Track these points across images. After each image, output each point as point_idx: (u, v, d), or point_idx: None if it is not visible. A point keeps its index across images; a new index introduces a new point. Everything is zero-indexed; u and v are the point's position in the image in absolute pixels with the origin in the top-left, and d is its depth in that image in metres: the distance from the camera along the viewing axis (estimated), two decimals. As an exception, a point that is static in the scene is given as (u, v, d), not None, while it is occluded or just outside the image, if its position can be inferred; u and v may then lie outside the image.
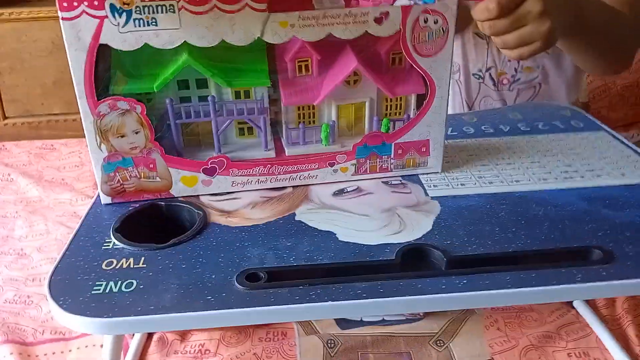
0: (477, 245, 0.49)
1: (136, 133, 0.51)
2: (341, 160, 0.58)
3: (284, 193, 0.57)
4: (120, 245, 0.49)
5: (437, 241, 0.49)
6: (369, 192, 0.58)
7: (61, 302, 0.42)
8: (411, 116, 0.58)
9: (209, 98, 0.53)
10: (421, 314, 0.74)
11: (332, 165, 0.58)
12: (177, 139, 0.54)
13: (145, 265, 0.46)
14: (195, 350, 0.71)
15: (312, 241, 0.49)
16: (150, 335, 0.74)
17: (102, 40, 0.47)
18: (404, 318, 0.74)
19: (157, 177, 0.53)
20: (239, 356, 0.69)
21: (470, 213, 0.54)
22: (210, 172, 0.54)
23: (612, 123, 1.45)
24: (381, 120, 0.58)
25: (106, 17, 0.46)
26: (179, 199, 0.55)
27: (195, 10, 0.47)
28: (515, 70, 0.95)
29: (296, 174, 0.57)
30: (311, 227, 0.52)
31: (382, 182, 0.59)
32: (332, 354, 0.69)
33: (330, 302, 0.42)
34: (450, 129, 0.73)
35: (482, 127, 0.73)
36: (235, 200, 0.56)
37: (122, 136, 0.51)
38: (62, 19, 0.46)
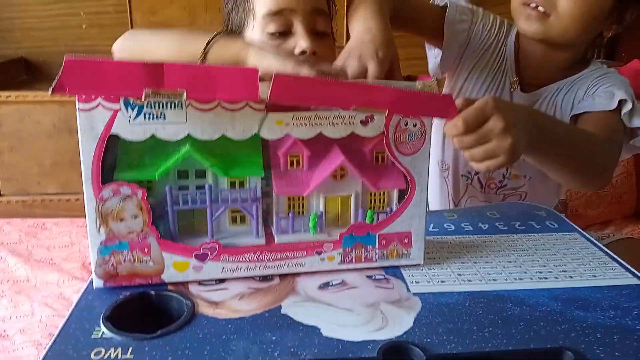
0: (456, 344, 0.50)
1: (135, 218, 0.53)
2: (328, 249, 0.60)
3: (271, 284, 0.59)
4: (110, 334, 0.49)
5: (418, 338, 0.51)
6: (354, 286, 0.60)
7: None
8: (394, 209, 0.62)
9: (207, 186, 0.56)
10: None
11: (319, 253, 0.60)
12: (173, 224, 0.57)
13: (132, 356, 0.47)
14: None
15: (297, 336, 0.51)
16: None
17: (113, 130, 0.51)
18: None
19: (151, 262, 0.55)
20: None
21: (450, 310, 0.56)
22: (201, 257, 0.57)
23: (589, 221, 1.51)
24: (366, 212, 0.61)
25: (119, 109, 0.50)
26: (169, 288, 0.57)
27: (201, 107, 0.52)
28: (503, 176, 0.99)
29: (285, 261, 0.60)
30: (296, 321, 0.53)
31: (367, 276, 0.62)
32: None
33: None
34: (432, 225, 0.76)
35: (462, 225, 0.77)
36: (224, 291, 0.58)
37: (122, 220, 0.53)
38: (80, 109, 0.50)
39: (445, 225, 0.77)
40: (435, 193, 1.07)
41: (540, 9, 0.84)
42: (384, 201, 0.62)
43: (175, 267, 0.56)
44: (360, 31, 0.71)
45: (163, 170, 0.54)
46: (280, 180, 0.59)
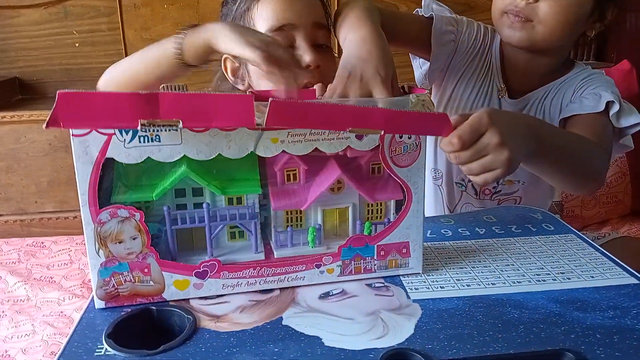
0: (457, 350, 0.51)
1: (134, 239, 0.54)
2: (327, 261, 0.61)
3: (272, 296, 0.59)
4: (112, 351, 0.50)
5: (419, 345, 0.51)
6: (354, 295, 0.60)
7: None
8: (391, 219, 0.62)
9: (204, 205, 0.56)
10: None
11: (318, 266, 0.61)
12: (172, 244, 0.57)
13: (135, 372, 0.47)
14: None
15: (299, 346, 0.51)
16: None
17: (109, 154, 0.51)
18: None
19: (151, 282, 0.56)
20: None
21: (450, 316, 0.56)
22: (202, 275, 0.57)
23: (585, 221, 1.52)
24: (364, 224, 0.62)
25: (114, 134, 0.51)
26: (170, 303, 0.57)
27: (196, 129, 0.52)
28: (497, 182, 1.00)
29: (284, 275, 0.60)
30: (298, 331, 0.54)
31: (366, 284, 0.62)
32: None
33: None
34: (429, 231, 0.77)
35: (459, 230, 0.78)
36: (225, 304, 0.58)
37: (120, 242, 0.54)
38: (73, 135, 0.50)
39: (442, 231, 0.77)
40: (429, 201, 1.08)
41: (522, 16, 0.85)
42: (381, 212, 0.63)
43: (176, 285, 0.57)
44: (355, 43, 0.69)
45: (161, 191, 0.55)
46: (277, 195, 0.59)
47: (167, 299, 0.57)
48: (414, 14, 0.97)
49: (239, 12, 0.82)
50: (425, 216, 1.05)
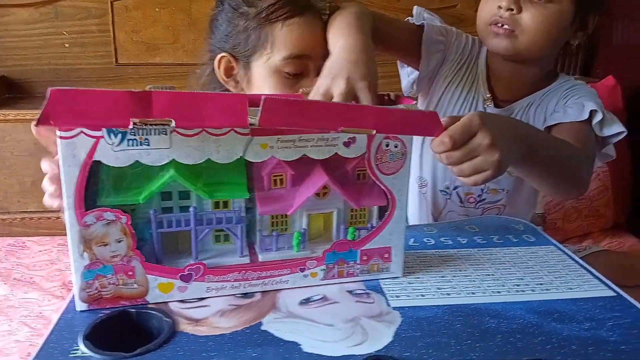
0: (435, 358, 0.51)
1: (119, 242, 0.54)
2: (311, 265, 0.61)
3: (252, 301, 0.60)
4: (88, 353, 0.50)
5: (398, 353, 0.52)
6: (335, 301, 0.61)
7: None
8: (374, 225, 0.63)
9: (191, 209, 0.57)
10: None
11: (302, 270, 0.61)
12: (158, 247, 0.57)
13: (111, 375, 0.47)
14: None
15: (277, 352, 0.51)
16: None
17: (96, 157, 0.51)
18: None
19: (135, 284, 0.56)
20: None
21: (429, 324, 0.57)
22: (186, 278, 0.57)
23: (567, 234, 1.54)
24: (347, 228, 0.63)
25: (102, 137, 0.50)
26: (150, 306, 0.57)
27: (185, 132, 0.53)
28: (482, 190, 1.01)
29: (268, 279, 0.61)
30: (277, 337, 0.54)
31: (347, 291, 0.63)
32: None
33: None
34: (412, 239, 0.78)
35: (442, 239, 0.79)
36: (205, 308, 0.58)
37: (105, 245, 0.54)
38: (60, 137, 0.50)
39: (425, 240, 0.78)
40: (414, 209, 1.09)
41: (507, 27, 0.88)
42: (365, 217, 0.64)
43: (160, 288, 0.57)
44: (343, 49, 0.72)
45: (148, 194, 0.55)
46: (263, 199, 0.60)
47: (150, 302, 0.57)
48: (405, 21, 0.99)
49: (247, 26, 0.83)
50: (410, 224, 1.08)
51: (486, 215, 1.02)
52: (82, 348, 0.50)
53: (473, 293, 0.64)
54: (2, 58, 1.63)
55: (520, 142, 0.67)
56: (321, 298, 0.61)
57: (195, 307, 0.58)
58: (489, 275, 0.68)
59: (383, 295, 0.62)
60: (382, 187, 0.61)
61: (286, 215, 0.61)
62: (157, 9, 1.67)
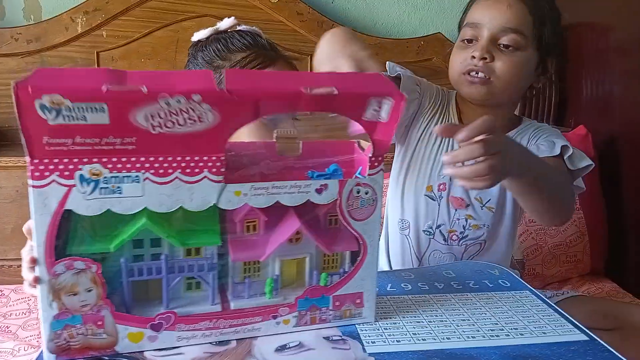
0: (408, 404, 0.51)
1: (88, 291, 0.53)
2: (284, 312, 0.61)
3: (228, 348, 0.59)
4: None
5: (371, 399, 0.52)
6: (310, 348, 0.60)
7: None
8: (346, 270, 0.64)
9: (162, 257, 0.57)
10: None
11: (275, 317, 0.61)
12: (128, 296, 0.57)
13: None
14: None
15: (250, 401, 0.51)
16: None
17: (68, 206, 0.51)
18: None
19: (104, 334, 0.55)
20: None
21: (404, 370, 0.57)
22: (157, 327, 0.57)
23: (547, 280, 1.55)
24: (320, 274, 0.63)
25: (74, 185, 0.51)
26: (124, 354, 0.56)
27: (159, 181, 0.53)
28: (464, 227, 1.04)
29: (240, 327, 0.60)
30: (250, 386, 0.53)
31: (324, 337, 0.62)
32: None
33: None
34: (389, 285, 0.78)
35: (419, 284, 0.79)
36: (179, 355, 0.57)
37: (75, 294, 0.53)
38: (32, 187, 0.50)
39: (402, 285, 0.79)
40: (396, 253, 1.10)
41: (481, 75, 0.96)
42: (337, 262, 0.64)
43: (130, 338, 0.56)
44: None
45: (119, 242, 0.55)
46: (236, 245, 0.60)
47: (120, 352, 0.56)
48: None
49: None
50: (393, 268, 1.08)
51: (468, 253, 1.04)
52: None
53: (448, 338, 0.64)
54: (-17, 106, 1.64)
55: (522, 158, 0.73)
56: (297, 345, 0.60)
57: (170, 355, 0.57)
58: (464, 320, 0.68)
59: (359, 341, 0.62)
60: (354, 233, 0.62)
61: (259, 261, 0.61)
62: (142, 60, 1.71)
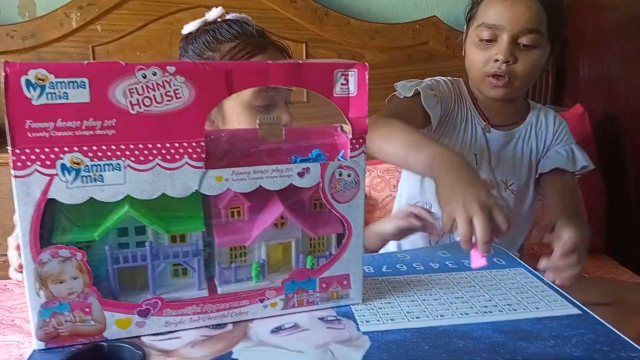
0: (399, 380, 0.51)
1: (75, 279, 0.54)
2: (271, 296, 0.61)
3: (224, 331, 0.59)
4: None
5: (364, 376, 0.51)
6: (306, 329, 0.61)
7: None
8: (332, 253, 0.64)
9: (147, 244, 0.57)
10: None
11: (262, 301, 0.61)
12: (114, 283, 0.57)
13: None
14: None
15: (246, 379, 0.51)
16: None
17: (50, 195, 0.51)
18: None
19: (92, 321, 0.55)
20: None
21: (397, 347, 0.57)
22: (144, 313, 0.57)
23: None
24: (306, 257, 0.63)
25: (56, 174, 0.51)
26: (122, 339, 0.57)
27: (139, 168, 0.53)
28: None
29: (228, 311, 0.60)
30: (247, 366, 0.53)
31: (319, 318, 0.63)
32: None
33: None
34: (384, 266, 0.78)
35: (414, 265, 0.79)
36: (176, 339, 0.58)
37: (61, 282, 0.53)
38: (15, 176, 0.50)
39: (397, 266, 0.78)
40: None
41: (506, 78, 1.04)
42: (323, 245, 0.64)
43: (117, 324, 0.56)
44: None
45: (103, 230, 0.55)
46: (221, 231, 0.60)
47: (109, 338, 0.57)
48: (409, 107, 1.08)
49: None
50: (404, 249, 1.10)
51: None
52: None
53: (442, 315, 0.63)
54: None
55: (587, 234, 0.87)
56: (292, 326, 0.61)
57: (167, 339, 0.58)
58: (458, 297, 0.68)
59: (354, 321, 0.62)
60: (338, 216, 0.62)
61: (245, 246, 0.61)
62: (137, 53, 1.71)
